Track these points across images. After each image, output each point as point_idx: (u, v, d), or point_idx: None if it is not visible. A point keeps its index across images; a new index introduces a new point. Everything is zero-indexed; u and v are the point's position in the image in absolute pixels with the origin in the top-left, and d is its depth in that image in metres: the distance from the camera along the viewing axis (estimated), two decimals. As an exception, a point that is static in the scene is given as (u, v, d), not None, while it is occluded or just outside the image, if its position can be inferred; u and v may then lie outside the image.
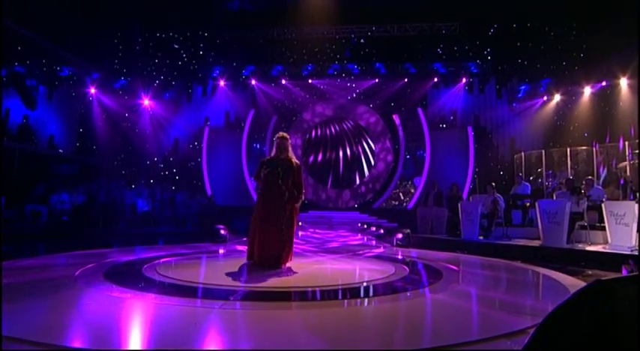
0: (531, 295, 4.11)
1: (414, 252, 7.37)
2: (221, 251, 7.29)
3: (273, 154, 5.17)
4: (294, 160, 5.17)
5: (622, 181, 9.65)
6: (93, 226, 11.17)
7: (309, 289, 4.09)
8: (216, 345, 2.49)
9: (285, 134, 5.22)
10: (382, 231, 10.82)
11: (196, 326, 2.79)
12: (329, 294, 3.89)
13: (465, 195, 13.87)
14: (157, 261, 5.61)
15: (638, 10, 9.56)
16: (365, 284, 4.32)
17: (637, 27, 9.39)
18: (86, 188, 12.44)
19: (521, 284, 4.87)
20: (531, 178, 12.16)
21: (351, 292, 3.91)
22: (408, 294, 3.88)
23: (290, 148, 5.18)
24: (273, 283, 4.18)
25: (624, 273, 4.93)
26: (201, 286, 4.09)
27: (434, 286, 4.19)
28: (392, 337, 2.66)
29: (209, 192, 15.34)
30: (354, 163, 17.24)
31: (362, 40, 15.97)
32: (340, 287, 4.10)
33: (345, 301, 3.66)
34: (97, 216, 11.38)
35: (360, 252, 7.21)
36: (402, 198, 16.47)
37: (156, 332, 2.75)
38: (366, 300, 3.67)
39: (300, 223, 13.66)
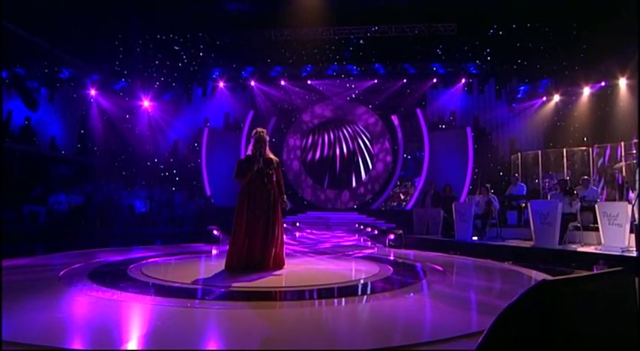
0: (507, 296, 4.09)
1: (405, 253, 7.36)
2: (214, 252, 7.31)
3: (251, 151, 5.04)
4: (273, 156, 5.12)
5: (620, 180, 9.59)
6: (90, 227, 11.26)
7: (288, 289, 4.11)
8: (188, 345, 2.49)
9: (262, 129, 5.17)
10: (376, 232, 10.80)
11: (164, 324, 2.82)
12: (305, 294, 3.91)
13: (463, 195, 13.84)
14: (144, 261, 5.66)
15: (638, 11, 9.49)
16: (345, 285, 4.31)
17: (637, 27, 9.33)
18: (84, 189, 12.54)
19: (502, 285, 4.86)
20: (527, 178, 12.10)
21: (328, 293, 3.92)
22: (384, 294, 3.88)
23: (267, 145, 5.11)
24: (254, 283, 4.19)
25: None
26: (183, 286, 4.09)
27: (413, 286, 4.19)
28: (349, 336, 2.67)
29: (208, 193, 15.41)
30: (352, 164, 17.24)
31: (361, 41, 15.96)
32: (319, 288, 4.10)
33: (316, 301, 3.69)
34: (94, 217, 11.47)
35: (351, 253, 7.21)
36: (402, 198, 16.44)
37: (128, 331, 2.78)
38: (343, 300, 3.67)
39: (297, 224, 13.68)
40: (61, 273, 4.62)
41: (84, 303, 3.47)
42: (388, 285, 4.25)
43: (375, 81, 16.45)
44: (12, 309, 3.03)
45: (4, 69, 15.04)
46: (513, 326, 1.73)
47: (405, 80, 16.30)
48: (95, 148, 16.27)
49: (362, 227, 13.05)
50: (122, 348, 2.37)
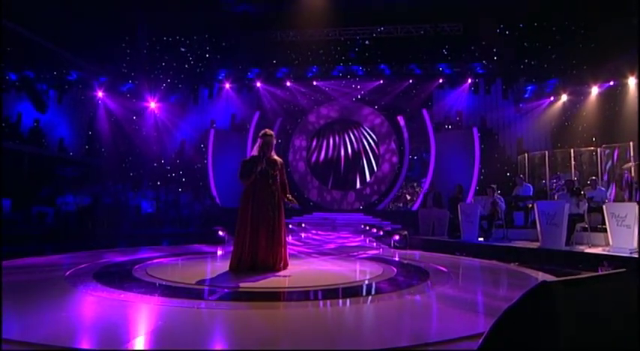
0: (513, 298, 4.07)
1: (410, 253, 7.33)
2: (219, 253, 7.34)
3: (256, 152, 5.05)
4: (277, 157, 5.13)
5: (629, 181, 9.48)
6: (97, 228, 11.36)
7: (292, 290, 4.11)
8: (192, 345, 2.49)
9: (271, 131, 5.19)
10: (381, 233, 10.78)
11: (167, 324, 2.83)
12: (309, 295, 3.90)
13: (470, 196, 13.76)
14: (149, 262, 5.69)
15: (638, 11, 9.42)
16: (348, 285, 4.31)
17: (637, 29, 9.25)
18: (91, 190, 12.66)
19: (505, 287, 4.83)
20: (534, 179, 12.01)
21: (332, 294, 3.92)
22: (389, 295, 3.87)
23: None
24: (259, 284, 4.19)
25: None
26: (187, 286, 4.11)
27: (415, 287, 4.17)
28: (354, 336, 2.67)
29: (214, 193, 15.47)
30: (358, 165, 17.22)
31: (366, 42, 15.95)
32: (323, 288, 4.10)
33: (320, 302, 3.69)
34: (101, 218, 11.57)
35: (355, 254, 7.19)
36: (408, 199, 16.39)
37: (132, 331, 2.80)
38: (346, 301, 3.67)
39: (303, 225, 13.69)
40: (67, 273, 4.66)
41: (88, 303, 3.50)
42: (391, 286, 4.24)
43: (381, 82, 16.42)
44: (17, 309, 3.06)
45: (13, 72, 15.25)
46: (513, 327, 1.73)
47: (410, 81, 16.25)
48: (103, 150, 16.40)
49: (367, 228, 13.03)
50: (126, 347, 2.39)
